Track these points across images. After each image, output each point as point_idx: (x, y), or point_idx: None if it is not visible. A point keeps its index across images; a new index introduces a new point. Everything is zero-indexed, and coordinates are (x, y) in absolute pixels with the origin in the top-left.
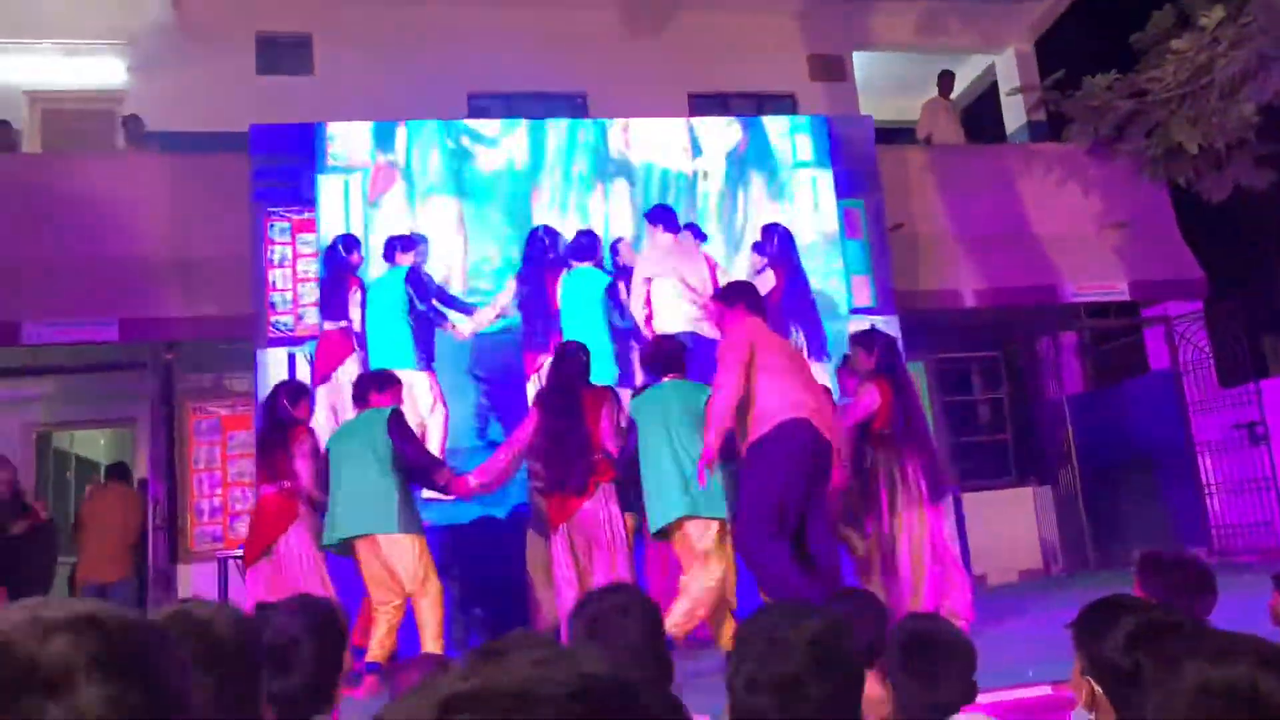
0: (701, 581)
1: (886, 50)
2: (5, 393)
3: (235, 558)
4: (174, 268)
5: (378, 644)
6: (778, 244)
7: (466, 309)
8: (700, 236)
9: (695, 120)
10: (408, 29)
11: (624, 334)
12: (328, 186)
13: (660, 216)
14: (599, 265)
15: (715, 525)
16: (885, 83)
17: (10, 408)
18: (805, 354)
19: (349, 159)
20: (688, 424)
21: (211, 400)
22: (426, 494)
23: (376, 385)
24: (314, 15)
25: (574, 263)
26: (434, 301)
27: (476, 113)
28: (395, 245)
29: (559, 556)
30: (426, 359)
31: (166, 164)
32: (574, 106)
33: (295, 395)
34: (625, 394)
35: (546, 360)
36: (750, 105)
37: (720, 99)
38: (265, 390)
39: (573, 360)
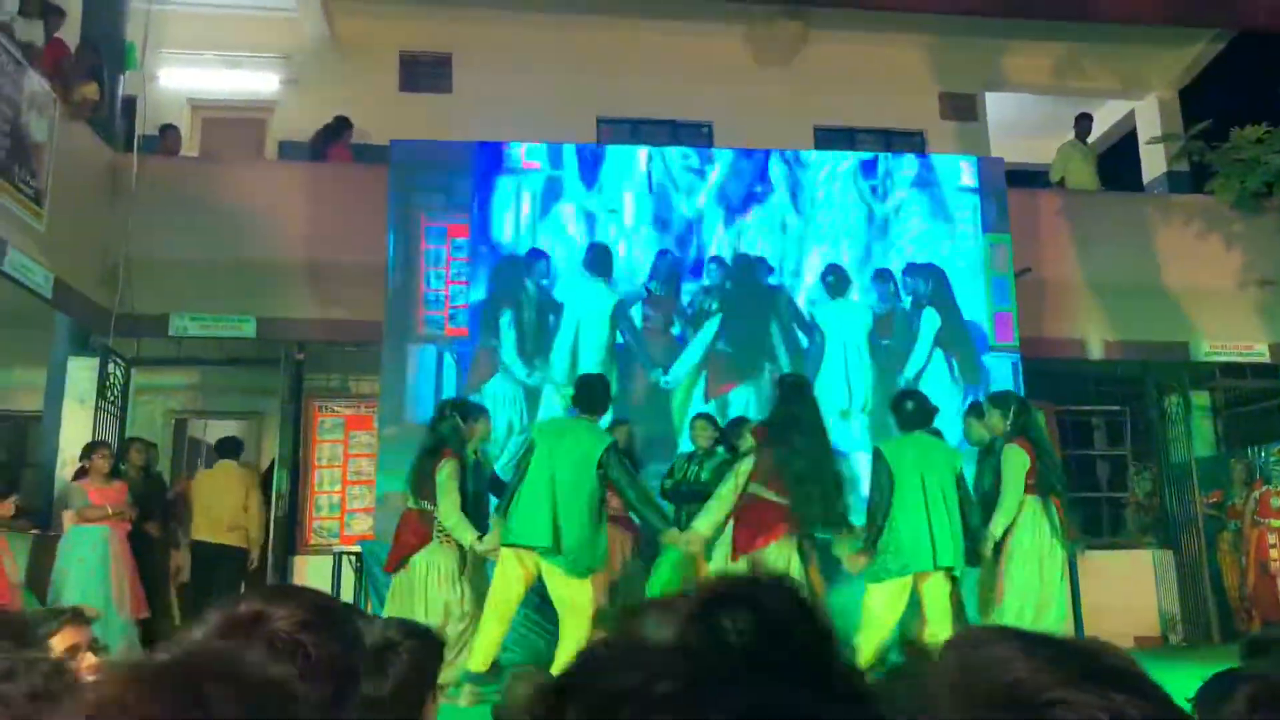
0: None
1: (1021, 91)
2: (152, 380)
3: (349, 553)
4: (309, 272)
5: (481, 655)
6: (933, 284)
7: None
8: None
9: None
10: (542, 52)
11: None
12: (503, 187)
13: None
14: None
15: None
16: (1016, 123)
17: (155, 394)
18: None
19: (522, 169)
20: (950, 482)
21: (337, 400)
22: None
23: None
24: (455, 36)
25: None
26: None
27: (605, 136)
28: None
29: None
30: None
31: (308, 172)
32: (699, 135)
33: (472, 414)
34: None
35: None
36: (877, 141)
37: (847, 134)
38: (407, 383)
39: (809, 396)
